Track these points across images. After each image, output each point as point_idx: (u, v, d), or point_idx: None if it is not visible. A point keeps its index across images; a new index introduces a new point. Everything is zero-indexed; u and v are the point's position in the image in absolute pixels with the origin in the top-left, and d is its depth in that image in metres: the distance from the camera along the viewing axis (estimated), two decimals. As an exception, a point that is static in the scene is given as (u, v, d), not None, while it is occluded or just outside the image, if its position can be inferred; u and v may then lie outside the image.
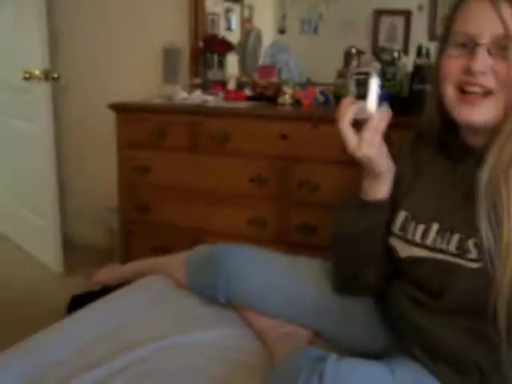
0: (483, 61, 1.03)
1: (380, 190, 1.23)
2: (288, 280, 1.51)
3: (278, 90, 2.52)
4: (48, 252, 3.13)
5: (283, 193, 2.28)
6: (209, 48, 2.80)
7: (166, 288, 1.74)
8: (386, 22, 2.59)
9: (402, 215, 1.22)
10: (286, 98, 2.46)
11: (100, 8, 3.18)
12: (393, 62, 2.38)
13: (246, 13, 2.94)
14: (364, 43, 2.59)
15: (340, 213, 1.31)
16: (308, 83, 2.59)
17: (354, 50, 2.49)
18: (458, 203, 1.12)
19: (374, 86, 1.13)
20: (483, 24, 1.04)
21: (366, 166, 1.19)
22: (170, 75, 2.83)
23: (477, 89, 1.06)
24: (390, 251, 1.25)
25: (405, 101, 2.12)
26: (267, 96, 2.56)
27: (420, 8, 2.53)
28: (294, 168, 2.23)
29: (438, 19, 2.44)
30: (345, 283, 1.39)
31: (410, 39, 2.52)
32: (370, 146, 1.13)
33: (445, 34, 1.13)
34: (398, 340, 1.26)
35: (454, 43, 1.09)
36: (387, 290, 1.31)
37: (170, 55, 2.85)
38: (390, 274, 1.28)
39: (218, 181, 2.38)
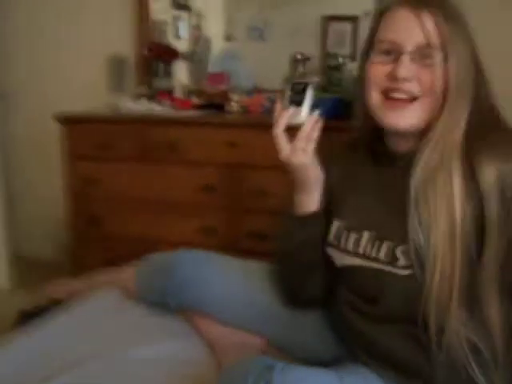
0: (407, 68, 1.06)
1: (310, 201, 1.24)
2: (238, 284, 1.49)
3: (226, 98, 2.51)
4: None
5: (233, 200, 2.28)
6: (154, 56, 2.78)
7: (116, 300, 1.69)
8: (334, 27, 2.61)
9: (335, 224, 1.23)
10: (234, 105, 2.46)
11: (43, 16, 3.10)
12: (338, 68, 2.41)
13: (195, 20, 2.93)
14: (312, 49, 2.60)
15: (278, 228, 1.32)
16: (255, 90, 2.59)
17: (299, 56, 2.50)
18: (387, 210, 1.14)
19: (310, 95, 1.15)
20: (407, 33, 1.06)
21: (295, 176, 1.21)
22: (115, 84, 2.80)
23: (401, 95, 1.08)
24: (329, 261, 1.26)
25: (350, 105, 2.14)
26: (215, 104, 2.55)
27: (367, 14, 2.56)
28: (243, 175, 2.23)
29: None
30: (291, 296, 1.39)
31: (358, 45, 2.54)
32: (302, 155, 1.15)
33: (369, 42, 1.15)
34: (347, 347, 1.27)
35: (379, 50, 1.11)
36: (332, 299, 1.31)
37: (115, 64, 2.82)
38: (333, 283, 1.28)
39: (167, 190, 2.36)
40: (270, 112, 2.38)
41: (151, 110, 2.50)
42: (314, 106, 1.16)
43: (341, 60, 2.43)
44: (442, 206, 1.02)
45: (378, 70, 1.11)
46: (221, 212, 2.30)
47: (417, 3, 1.07)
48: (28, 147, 3.27)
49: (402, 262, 1.07)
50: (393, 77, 1.08)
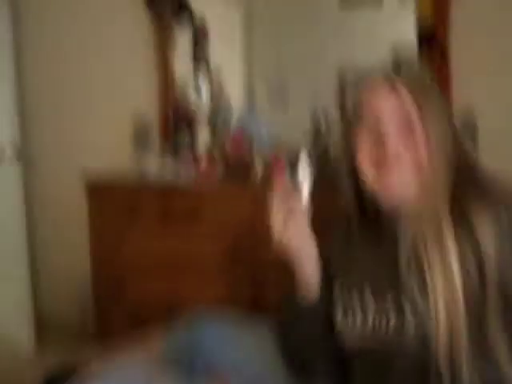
0: (392, 145, 1.11)
1: (308, 282, 1.23)
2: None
3: (249, 165, 2.55)
4: (20, 329, 3.07)
5: (256, 267, 2.28)
6: (178, 118, 2.85)
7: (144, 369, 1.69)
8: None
9: (339, 305, 1.23)
10: (257, 172, 2.50)
11: (69, 77, 3.20)
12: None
13: (216, 81, 2.98)
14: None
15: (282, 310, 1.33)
16: (277, 156, 2.63)
17: (320, 115, 2.55)
18: (389, 279, 1.14)
19: (306, 170, 1.16)
20: (387, 110, 1.12)
21: (291, 260, 1.20)
22: (140, 147, 2.83)
23: (388, 166, 1.12)
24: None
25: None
26: (238, 170, 2.59)
27: (385, 64, 2.60)
28: (267, 243, 2.24)
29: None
30: (296, 372, 1.36)
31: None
32: (292, 239, 1.15)
33: (354, 117, 1.19)
34: None
35: (364, 127, 1.16)
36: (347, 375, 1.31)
37: (140, 126, 2.85)
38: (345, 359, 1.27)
39: (191, 255, 2.38)
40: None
41: (176, 176, 2.56)
42: (309, 181, 1.17)
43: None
44: (437, 274, 1.04)
45: (366, 149, 1.16)
46: (245, 278, 2.32)
47: (391, 80, 1.14)
48: (54, 209, 3.31)
49: (410, 326, 1.07)
50: (377, 150, 1.12)
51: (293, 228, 1.14)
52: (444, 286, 1.03)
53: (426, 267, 1.05)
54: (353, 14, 2.64)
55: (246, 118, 2.86)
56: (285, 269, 1.14)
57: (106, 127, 3.13)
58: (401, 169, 1.12)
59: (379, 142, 1.13)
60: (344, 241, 1.30)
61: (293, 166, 1.17)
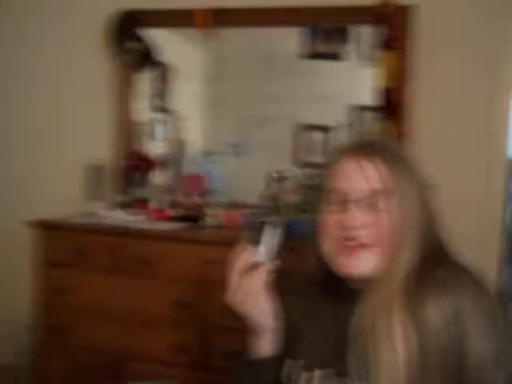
0: (354, 217, 1.09)
1: (260, 345, 1.22)
2: None
3: (202, 211, 2.54)
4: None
5: (206, 317, 2.26)
6: (132, 166, 2.82)
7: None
8: (306, 137, 2.73)
9: (287, 364, 1.22)
10: (209, 219, 2.49)
11: (21, 118, 3.14)
12: (314, 188, 2.45)
13: (176, 126, 2.98)
14: (287, 162, 2.71)
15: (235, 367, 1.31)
16: (231, 205, 2.63)
17: (275, 175, 2.56)
18: (335, 354, 1.13)
19: (268, 235, 1.16)
20: (352, 182, 1.11)
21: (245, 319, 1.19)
22: (92, 192, 2.81)
23: (352, 242, 1.11)
24: None
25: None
26: (190, 216, 2.58)
27: (344, 125, 2.66)
28: (217, 293, 2.21)
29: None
30: None
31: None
32: (244, 304, 1.15)
33: (323, 191, 1.18)
34: None
35: (329, 200, 1.15)
36: None
37: (93, 171, 2.84)
38: None
39: (140, 303, 2.34)
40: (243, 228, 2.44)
41: (127, 221, 2.51)
42: (272, 247, 1.16)
43: (316, 180, 2.48)
44: (381, 351, 1.03)
45: (330, 220, 1.14)
46: (194, 329, 2.28)
47: (359, 152, 1.13)
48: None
49: None
50: (342, 226, 1.11)
51: (249, 295, 1.14)
52: (387, 369, 1.02)
53: (370, 346, 1.04)
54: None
55: (202, 165, 2.85)
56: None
57: (58, 172, 3.07)
58: (364, 255, 1.11)
59: (343, 211, 1.11)
60: (300, 304, 1.29)
61: (256, 228, 1.16)
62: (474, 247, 2.48)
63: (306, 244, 1.25)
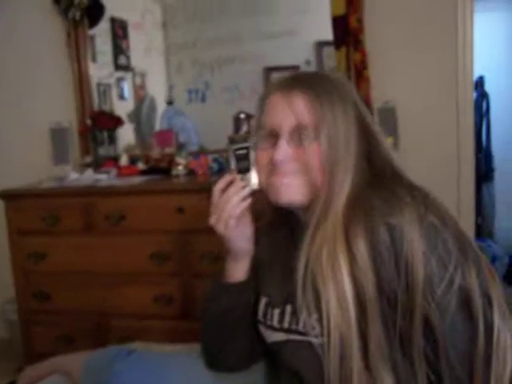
0: (283, 151, 1.09)
1: (236, 270, 1.25)
2: None
3: (172, 161, 2.50)
4: None
5: (186, 266, 2.24)
6: (97, 125, 2.75)
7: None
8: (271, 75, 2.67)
9: (262, 301, 1.24)
10: (180, 169, 2.45)
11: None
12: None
13: (138, 80, 2.93)
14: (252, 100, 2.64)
15: (206, 291, 1.32)
16: (200, 152, 2.59)
17: (242, 116, 2.52)
18: (288, 292, 1.13)
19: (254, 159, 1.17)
20: (281, 117, 1.10)
21: (222, 242, 1.21)
22: (59, 155, 2.76)
23: (282, 176, 1.11)
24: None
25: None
26: (161, 168, 2.54)
27: (308, 63, 2.62)
28: (194, 241, 2.20)
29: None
30: (211, 358, 1.36)
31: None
32: (223, 228, 1.16)
33: (257, 127, 1.18)
34: None
35: (263, 135, 1.15)
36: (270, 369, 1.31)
37: (58, 135, 2.79)
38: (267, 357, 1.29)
39: (118, 261, 2.31)
40: (216, 173, 2.41)
41: (96, 181, 2.46)
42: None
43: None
44: (328, 280, 1.01)
45: (263, 156, 1.15)
46: (174, 279, 2.26)
47: (286, 86, 1.12)
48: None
49: (317, 330, 1.06)
50: (272, 161, 1.11)
51: (221, 224, 1.16)
52: (334, 298, 1.00)
53: (320, 284, 1.02)
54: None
55: (170, 116, 2.82)
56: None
57: (22, 138, 3.00)
58: (291, 184, 1.10)
59: (273, 149, 1.11)
60: (269, 250, 1.29)
61: (242, 155, 1.18)
62: (450, 168, 2.48)
63: None
